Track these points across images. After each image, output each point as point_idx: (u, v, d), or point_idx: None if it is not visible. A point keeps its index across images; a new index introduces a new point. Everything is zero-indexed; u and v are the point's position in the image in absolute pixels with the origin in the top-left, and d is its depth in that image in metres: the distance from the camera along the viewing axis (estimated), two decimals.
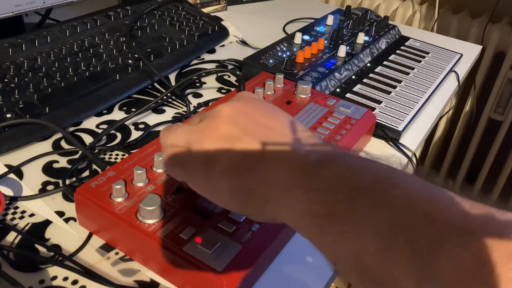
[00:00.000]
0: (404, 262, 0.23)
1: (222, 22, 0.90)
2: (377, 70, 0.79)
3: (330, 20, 0.91)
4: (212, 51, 0.84)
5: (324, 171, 0.29)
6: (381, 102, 0.69)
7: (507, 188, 1.55)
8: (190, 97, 0.70)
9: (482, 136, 1.52)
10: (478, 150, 1.55)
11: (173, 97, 0.69)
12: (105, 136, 0.59)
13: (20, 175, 0.52)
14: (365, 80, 0.75)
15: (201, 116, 0.37)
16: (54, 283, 0.40)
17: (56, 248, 0.43)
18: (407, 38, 0.93)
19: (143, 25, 0.79)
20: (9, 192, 0.49)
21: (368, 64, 0.80)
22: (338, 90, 0.71)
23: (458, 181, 1.62)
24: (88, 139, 0.58)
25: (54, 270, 0.41)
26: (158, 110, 0.66)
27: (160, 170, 0.46)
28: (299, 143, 0.32)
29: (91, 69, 0.65)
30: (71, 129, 0.60)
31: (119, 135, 0.60)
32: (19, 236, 0.44)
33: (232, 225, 0.41)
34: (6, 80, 0.59)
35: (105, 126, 0.61)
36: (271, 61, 0.73)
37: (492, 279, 0.21)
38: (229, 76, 0.77)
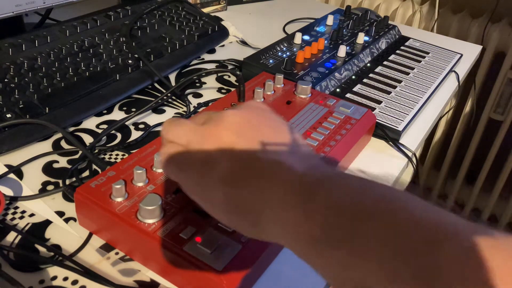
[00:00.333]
0: None
1: (222, 22, 0.90)
2: (377, 70, 0.79)
3: (330, 20, 0.91)
4: (212, 51, 0.84)
5: (324, 192, 0.28)
6: (381, 102, 0.69)
7: (507, 188, 1.55)
8: (190, 97, 0.70)
9: (482, 136, 1.52)
10: (478, 150, 1.55)
11: (173, 97, 0.69)
12: (105, 136, 0.59)
13: (20, 175, 0.52)
14: (365, 80, 0.75)
15: (206, 117, 0.36)
16: (54, 283, 0.40)
17: (56, 248, 0.43)
18: (407, 38, 0.93)
19: (143, 25, 0.79)
20: (9, 192, 0.49)
21: (368, 64, 0.80)
22: (338, 90, 0.71)
23: (458, 181, 1.62)
24: (88, 139, 0.58)
25: (54, 270, 0.41)
26: (158, 110, 0.66)
27: (160, 170, 0.46)
28: (301, 161, 0.31)
29: (91, 69, 0.65)
30: (71, 129, 0.60)
31: (119, 135, 0.60)
32: (19, 236, 0.44)
33: None
34: (6, 80, 0.59)
35: (105, 126, 0.61)
36: (271, 61, 0.73)
37: None
38: (229, 76, 0.77)
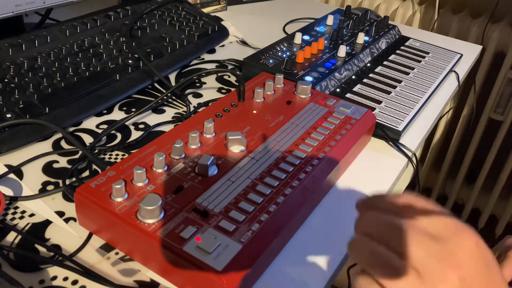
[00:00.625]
0: None
1: (222, 22, 0.90)
2: (377, 70, 0.79)
3: (330, 20, 0.91)
4: (212, 51, 0.84)
5: None
6: (381, 102, 0.69)
7: (507, 188, 1.55)
8: (190, 97, 0.70)
9: (482, 136, 1.52)
10: (478, 150, 1.55)
11: (173, 97, 0.69)
12: (105, 136, 0.59)
13: (20, 175, 0.52)
14: (365, 80, 0.75)
15: (441, 234, 0.31)
16: (54, 283, 0.40)
17: (56, 248, 0.43)
18: (407, 38, 0.93)
19: (143, 25, 0.79)
20: (9, 192, 0.49)
21: (368, 64, 0.80)
22: (338, 90, 0.71)
23: (458, 181, 1.62)
24: (88, 139, 0.58)
25: (54, 270, 0.41)
26: (158, 110, 0.66)
27: (160, 170, 0.46)
28: None
29: (91, 69, 0.65)
30: (71, 129, 0.60)
31: (119, 135, 0.60)
32: (19, 236, 0.44)
33: (232, 225, 0.41)
34: (6, 80, 0.59)
35: (105, 126, 0.61)
36: (271, 61, 0.73)
37: None
38: (229, 76, 0.77)
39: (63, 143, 0.57)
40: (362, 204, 0.35)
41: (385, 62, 0.82)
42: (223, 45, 0.87)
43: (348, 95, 0.70)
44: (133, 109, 0.65)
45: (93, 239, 0.45)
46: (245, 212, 0.42)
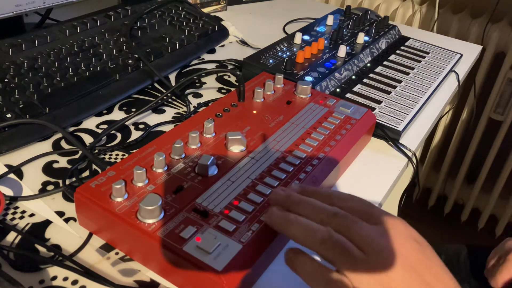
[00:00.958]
0: None
1: (222, 22, 0.90)
2: (377, 70, 0.79)
3: (330, 20, 0.91)
4: (212, 51, 0.84)
5: None
6: (381, 102, 0.69)
7: (507, 188, 1.55)
8: (190, 97, 0.70)
9: (482, 136, 1.52)
10: (478, 150, 1.55)
11: (173, 97, 0.69)
12: (105, 136, 0.59)
13: (20, 175, 0.52)
14: (365, 80, 0.75)
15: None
16: (54, 283, 0.40)
17: (56, 248, 0.43)
18: (407, 38, 0.93)
19: (143, 25, 0.79)
20: (9, 192, 0.49)
21: (368, 64, 0.80)
22: (338, 90, 0.71)
23: (458, 181, 1.62)
24: (88, 139, 0.58)
25: (54, 270, 0.41)
26: (158, 110, 0.66)
27: (160, 170, 0.46)
28: None
29: (91, 69, 0.65)
30: (71, 129, 0.60)
31: (119, 135, 0.60)
32: (19, 236, 0.44)
33: (232, 225, 0.41)
34: (6, 80, 0.59)
35: (105, 126, 0.61)
36: (271, 61, 0.73)
37: None
38: (229, 76, 0.77)
39: (63, 143, 0.57)
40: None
41: (385, 62, 0.82)
42: (223, 45, 0.87)
43: (348, 95, 0.70)
44: (133, 109, 0.65)
45: (93, 239, 0.45)
46: (245, 212, 0.42)
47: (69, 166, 0.53)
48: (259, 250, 0.40)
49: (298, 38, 0.80)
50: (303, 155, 0.51)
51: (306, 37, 0.83)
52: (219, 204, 0.43)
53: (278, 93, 0.62)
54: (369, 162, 0.60)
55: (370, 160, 0.61)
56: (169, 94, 0.69)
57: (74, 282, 0.40)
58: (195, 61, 0.80)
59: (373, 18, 0.96)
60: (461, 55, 0.90)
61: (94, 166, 0.53)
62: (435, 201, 1.73)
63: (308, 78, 0.69)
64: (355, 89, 0.72)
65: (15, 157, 0.54)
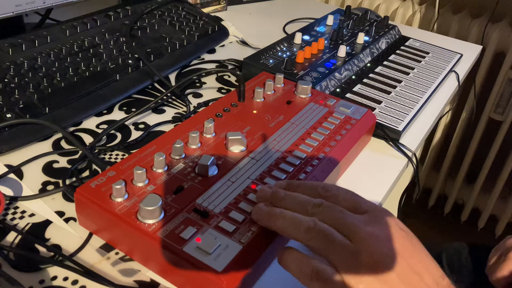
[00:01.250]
0: None
1: (222, 22, 0.90)
2: (377, 70, 0.79)
3: (330, 20, 0.91)
4: (212, 51, 0.84)
5: None
6: (381, 102, 0.69)
7: (507, 188, 1.55)
8: (190, 97, 0.70)
9: (482, 136, 1.52)
10: (478, 150, 1.55)
11: (173, 97, 0.69)
12: (105, 136, 0.59)
13: (20, 175, 0.52)
14: (365, 80, 0.75)
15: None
16: (54, 283, 0.40)
17: (56, 248, 0.43)
18: (407, 38, 0.93)
19: (143, 25, 0.79)
20: (9, 192, 0.49)
21: (368, 64, 0.80)
22: (338, 90, 0.71)
23: (458, 181, 1.62)
24: (88, 139, 0.58)
25: (54, 270, 0.41)
26: (158, 110, 0.66)
27: (160, 170, 0.46)
28: None
29: (91, 69, 0.65)
30: (71, 129, 0.60)
31: (119, 135, 0.60)
32: (19, 236, 0.44)
33: (232, 225, 0.41)
34: (6, 80, 0.59)
35: (105, 126, 0.61)
36: (271, 61, 0.73)
37: None
38: (229, 76, 0.77)
39: (63, 143, 0.57)
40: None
41: (385, 62, 0.82)
42: (223, 45, 0.87)
43: (348, 95, 0.70)
44: (133, 109, 0.65)
45: (93, 239, 0.45)
46: (245, 212, 0.42)
47: (69, 166, 0.53)
48: (259, 250, 0.40)
49: (298, 38, 0.80)
50: (303, 155, 0.51)
51: (306, 37, 0.83)
52: (219, 205, 0.43)
53: (278, 93, 0.62)
54: (369, 162, 0.60)
55: (370, 160, 0.61)
56: (169, 94, 0.69)
57: (74, 282, 0.40)
58: (195, 61, 0.80)
59: (373, 18, 0.96)
60: (461, 55, 0.90)
61: (94, 166, 0.53)
62: (435, 201, 1.73)
63: (308, 78, 0.69)
64: (355, 89, 0.72)
65: (15, 157, 0.54)
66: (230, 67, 0.80)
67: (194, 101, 0.69)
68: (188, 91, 0.71)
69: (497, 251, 0.69)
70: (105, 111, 0.64)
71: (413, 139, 0.66)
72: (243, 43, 0.89)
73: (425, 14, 1.42)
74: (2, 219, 0.46)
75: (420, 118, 0.71)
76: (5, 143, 0.53)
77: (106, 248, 0.44)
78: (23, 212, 0.47)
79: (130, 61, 0.69)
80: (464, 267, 0.80)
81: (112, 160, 0.55)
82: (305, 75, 0.70)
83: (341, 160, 0.53)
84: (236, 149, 0.50)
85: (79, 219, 0.46)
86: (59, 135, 0.58)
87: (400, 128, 0.64)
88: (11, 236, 0.44)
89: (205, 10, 1.00)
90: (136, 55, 0.70)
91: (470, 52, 0.96)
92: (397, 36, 0.93)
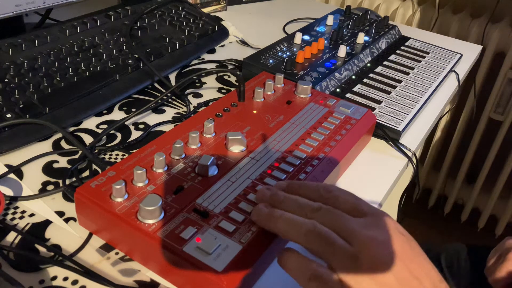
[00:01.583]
0: None
1: (222, 22, 0.90)
2: (377, 70, 0.79)
3: (330, 20, 0.91)
4: (212, 51, 0.84)
5: None
6: (381, 102, 0.69)
7: (507, 188, 1.55)
8: (190, 97, 0.70)
9: (482, 136, 1.52)
10: (478, 150, 1.55)
11: (173, 97, 0.69)
12: (105, 136, 0.59)
13: (20, 175, 0.52)
14: (365, 80, 0.75)
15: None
16: (54, 283, 0.40)
17: (56, 248, 0.43)
18: (407, 38, 0.93)
19: (143, 25, 0.79)
20: (9, 192, 0.49)
21: (368, 64, 0.80)
22: (338, 90, 0.71)
23: (458, 181, 1.62)
24: (88, 139, 0.58)
25: (54, 270, 0.41)
26: (158, 110, 0.66)
27: (160, 170, 0.46)
28: None
29: (91, 69, 0.65)
30: (71, 129, 0.60)
31: (119, 135, 0.60)
32: (19, 236, 0.44)
33: (232, 225, 0.41)
34: (6, 80, 0.59)
35: (105, 126, 0.61)
36: (271, 61, 0.73)
37: None
38: (229, 76, 0.77)
39: (63, 143, 0.57)
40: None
41: (385, 62, 0.82)
42: (223, 45, 0.87)
43: (348, 95, 0.70)
44: (133, 109, 0.65)
45: (93, 239, 0.45)
46: (245, 212, 0.42)
47: (69, 166, 0.53)
48: (259, 250, 0.40)
49: (298, 38, 0.80)
50: (303, 155, 0.51)
51: (306, 37, 0.83)
52: (219, 205, 0.43)
53: (278, 93, 0.62)
54: (369, 162, 0.60)
55: (370, 160, 0.61)
56: (169, 94, 0.69)
57: (74, 282, 0.40)
58: (195, 61, 0.80)
59: (373, 18, 0.96)
60: (461, 55, 0.90)
61: (94, 166, 0.53)
62: (435, 201, 1.73)
63: (308, 78, 0.69)
64: (355, 89, 0.72)
65: (15, 157, 0.54)
66: (230, 67, 0.80)
67: (194, 101, 0.69)
68: (188, 91, 0.71)
69: (496, 252, 0.69)
70: (105, 111, 0.64)
71: (413, 139, 0.66)
72: (243, 43, 0.89)
73: (425, 14, 1.42)
74: (2, 219, 0.46)
75: (420, 118, 0.71)
76: (5, 143, 0.53)
77: (106, 248, 0.44)
78: (23, 212, 0.47)
79: (130, 61, 0.69)
80: (463, 268, 0.80)
81: (112, 160, 0.55)
82: (305, 75, 0.70)
83: (341, 160, 0.53)
84: (236, 149, 0.50)
85: (79, 219, 0.46)
86: (59, 135, 0.58)
87: (400, 128, 0.64)
88: (11, 236, 0.44)
89: (205, 10, 1.00)
90: (136, 55, 0.70)
91: (470, 52, 0.96)
92: (397, 36, 0.93)
